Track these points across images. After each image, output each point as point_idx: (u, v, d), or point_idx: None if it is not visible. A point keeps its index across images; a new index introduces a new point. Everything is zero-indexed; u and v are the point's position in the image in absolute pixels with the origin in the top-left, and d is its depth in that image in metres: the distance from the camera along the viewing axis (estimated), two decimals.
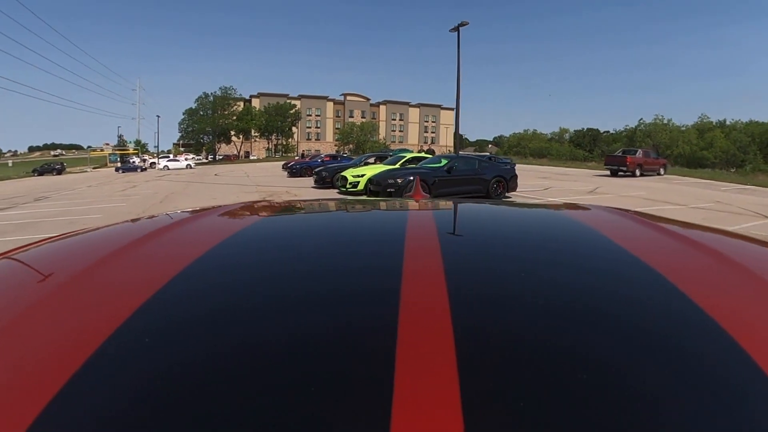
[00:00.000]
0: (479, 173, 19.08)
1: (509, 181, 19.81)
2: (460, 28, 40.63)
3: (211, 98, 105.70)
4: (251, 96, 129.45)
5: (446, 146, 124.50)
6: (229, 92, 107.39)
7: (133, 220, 1.53)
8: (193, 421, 0.50)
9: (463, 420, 0.49)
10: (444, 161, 19.47)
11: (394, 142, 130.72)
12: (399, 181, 17.20)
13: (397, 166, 21.44)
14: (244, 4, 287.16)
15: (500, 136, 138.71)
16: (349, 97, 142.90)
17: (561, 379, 0.60)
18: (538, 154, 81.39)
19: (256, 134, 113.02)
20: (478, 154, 39.10)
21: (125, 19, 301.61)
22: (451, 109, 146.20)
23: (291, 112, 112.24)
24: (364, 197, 12.48)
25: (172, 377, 0.58)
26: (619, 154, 37.59)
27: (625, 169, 34.73)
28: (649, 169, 36.18)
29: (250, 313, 0.75)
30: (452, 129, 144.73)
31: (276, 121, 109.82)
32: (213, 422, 0.50)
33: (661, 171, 37.56)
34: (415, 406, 0.50)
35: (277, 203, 1.86)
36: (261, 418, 0.50)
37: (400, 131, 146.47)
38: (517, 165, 25.03)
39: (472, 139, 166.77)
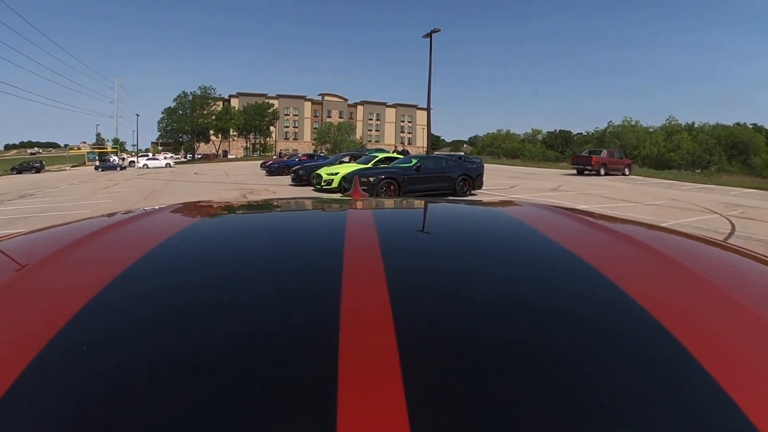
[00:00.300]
0: (446, 172, 20.10)
1: (475, 180, 20.97)
2: (434, 34, 41.76)
3: (191, 97, 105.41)
4: (230, 96, 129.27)
5: (422, 146, 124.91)
6: (208, 92, 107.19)
7: (70, 222, 1.47)
8: (137, 425, 0.49)
9: (408, 417, 0.48)
10: (414, 161, 20.41)
11: (371, 141, 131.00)
12: (371, 179, 17.96)
13: (369, 165, 22.30)
14: (224, 4, 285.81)
15: (475, 136, 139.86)
16: (326, 97, 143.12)
17: (500, 369, 0.60)
18: (511, 155, 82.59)
19: (235, 133, 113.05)
20: (448, 153, 39.94)
21: (105, 17, 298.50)
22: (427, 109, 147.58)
23: (269, 111, 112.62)
24: (316, 196, 13.21)
25: (105, 385, 0.56)
26: (585, 154, 38.96)
27: (590, 168, 36.04)
28: (614, 168, 37.44)
29: (192, 316, 0.73)
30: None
31: (254, 120, 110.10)
32: (156, 427, 0.49)
33: (626, 171, 38.88)
34: (360, 405, 0.50)
35: (218, 203, 1.85)
36: (204, 424, 0.49)
37: (376, 131, 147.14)
38: (490, 165, 26.07)
39: (448, 139, 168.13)
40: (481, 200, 2.10)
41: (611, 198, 21.18)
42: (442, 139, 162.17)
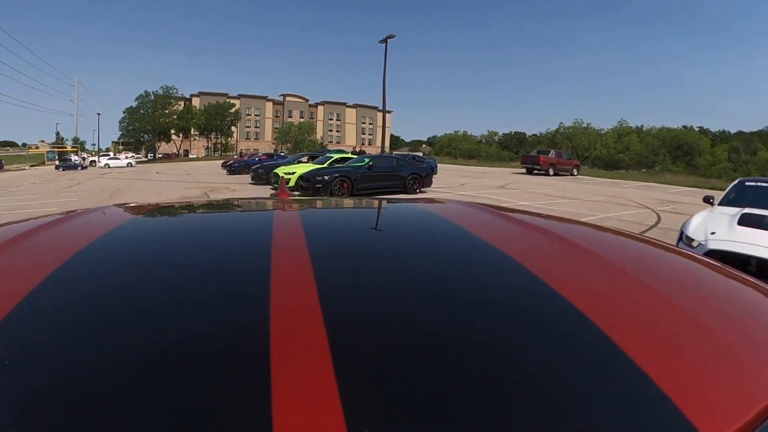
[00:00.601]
0: (397, 171, 21.17)
1: (424, 178, 22.09)
2: (395, 39, 43.01)
3: (153, 97, 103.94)
4: (192, 95, 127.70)
5: (379, 146, 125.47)
6: (170, 91, 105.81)
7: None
8: (66, 426, 0.48)
9: (343, 414, 0.49)
10: (366, 160, 21.38)
11: (332, 142, 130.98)
12: (326, 177, 18.83)
13: (325, 165, 23.10)
14: (188, 4, 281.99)
15: (434, 137, 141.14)
16: (288, 98, 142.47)
17: (431, 362, 0.62)
18: (468, 155, 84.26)
19: (196, 133, 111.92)
20: (403, 154, 40.91)
21: (66, 15, 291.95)
22: (388, 111, 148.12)
23: (230, 111, 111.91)
24: (254, 196, 13.51)
25: (24, 392, 0.54)
26: (534, 154, 40.18)
27: (539, 168, 37.33)
28: (562, 168, 38.74)
29: (113, 322, 0.71)
30: (388, 130, 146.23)
31: (215, 120, 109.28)
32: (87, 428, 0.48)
33: (575, 171, 40.28)
34: (294, 403, 0.50)
35: (148, 205, 1.81)
36: (137, 426, 0.48)
37: (337, 131, 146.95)
38: (447, 165, 27.13)
39: (408, 139, 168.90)
40: (410, 198, 2.14)
41: (552, 195, 22.40)
42: (402, 140, 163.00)
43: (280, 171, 22.74)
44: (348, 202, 1.95)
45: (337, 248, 1.13)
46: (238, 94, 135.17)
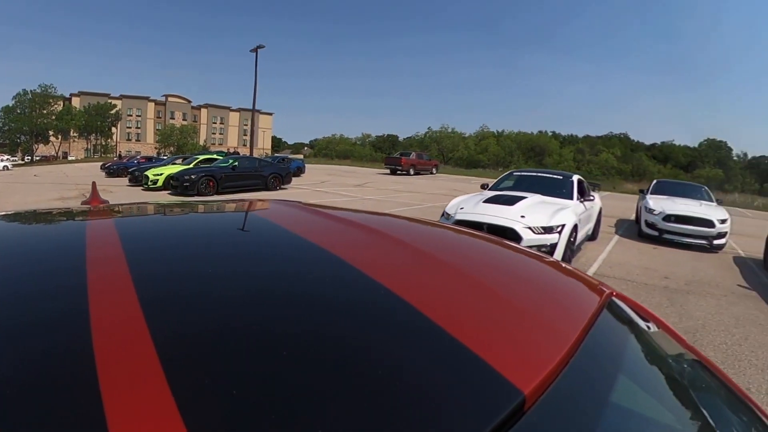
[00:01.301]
0: (259, 171, 23.59)
1: (284, 177, 24.77)
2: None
3: (30, 96, 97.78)
4: (71, 94, 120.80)
5: (263, 148, 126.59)
6: (49, 90, 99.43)
7: None
8: None
9: (181, 418, 0.47)
10: (231, 161, 23.45)
11: (215, 144, 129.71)
12: (193, 177, 20.66)
13: (191, 165, 24.83)
14: (66, 3, 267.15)
15: (315, 139, 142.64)
16: (170, 99, 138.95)
17: (257, 360, 0.62)
18: (344, 156, 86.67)
19: (75, 134, 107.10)
20: (281, 155, 43.01)
21: None
22: (270, 113, 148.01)
23: (111, 112, 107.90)
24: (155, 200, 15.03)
25: None
26: (396, 156, 43.40)
27: (401, 168, 40.34)
28: (422, 168, 42.30)
29: None
30: (270, 133, 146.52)
31: (96, 121, 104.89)
32: None
33: (434, 171, 44.19)
34: (130, 421, 0.47)
35: None
36: None
37: (220, 134, 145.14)
38: (322, 165, 29.59)
39: (291, 141, 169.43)
40: (237, 200, 2.13)
41: (400, 190, 25.69)
42: (285, 142, 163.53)
43: (150, 173, 24.12)
44: (167, 207, 1.95)
45: (155, 255, 1.09)
46: (120, 95, 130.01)
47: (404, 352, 0.67)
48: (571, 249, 9.09)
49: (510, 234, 8.09)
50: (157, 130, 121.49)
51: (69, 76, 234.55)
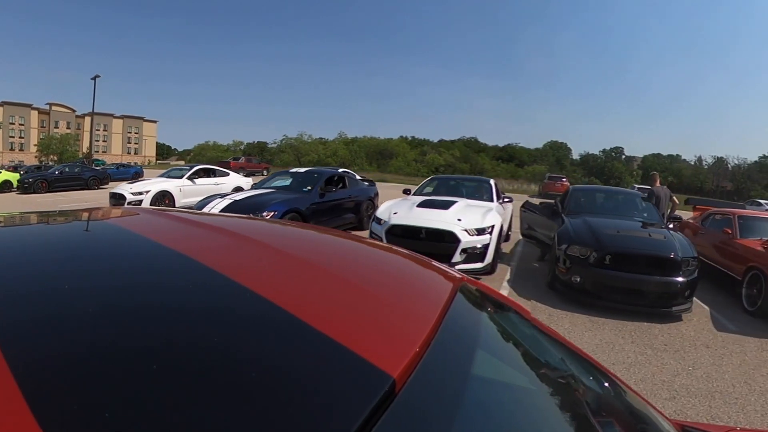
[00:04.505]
0: (81, 176, 28.05)
1: (102, 179, 29.46)
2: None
3: None
4: None
5: (146, 156, 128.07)
6: None
7: None
8: None
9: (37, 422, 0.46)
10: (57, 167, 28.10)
11: (98, 152, 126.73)
12: (31, 180, 24.77)
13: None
14: None
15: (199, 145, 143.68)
16: (54, 107, 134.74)
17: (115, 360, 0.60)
18: (215, 162, 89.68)
19: None
20: (120, 163, 47.66)
21: None
22: (154, 121, 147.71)
23: None
24: None
25: None
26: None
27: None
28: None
29: None
30: (154, 140, 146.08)
31: None
32: None
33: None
34: None
35: None
36: None
37: (104, 141, 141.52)
38: None
39: (181, 148, 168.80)
40: (88, 209, 1.93)
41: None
42: (174, 149, 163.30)
43: None
44: (26, 215, 1.65)
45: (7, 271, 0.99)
46: (2, 102, 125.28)
47: (272, 351, 0.65)
48: (499, 248, 9.28)
49: (448, 237, 8.20)
50: (41, 138, 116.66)
51: None
